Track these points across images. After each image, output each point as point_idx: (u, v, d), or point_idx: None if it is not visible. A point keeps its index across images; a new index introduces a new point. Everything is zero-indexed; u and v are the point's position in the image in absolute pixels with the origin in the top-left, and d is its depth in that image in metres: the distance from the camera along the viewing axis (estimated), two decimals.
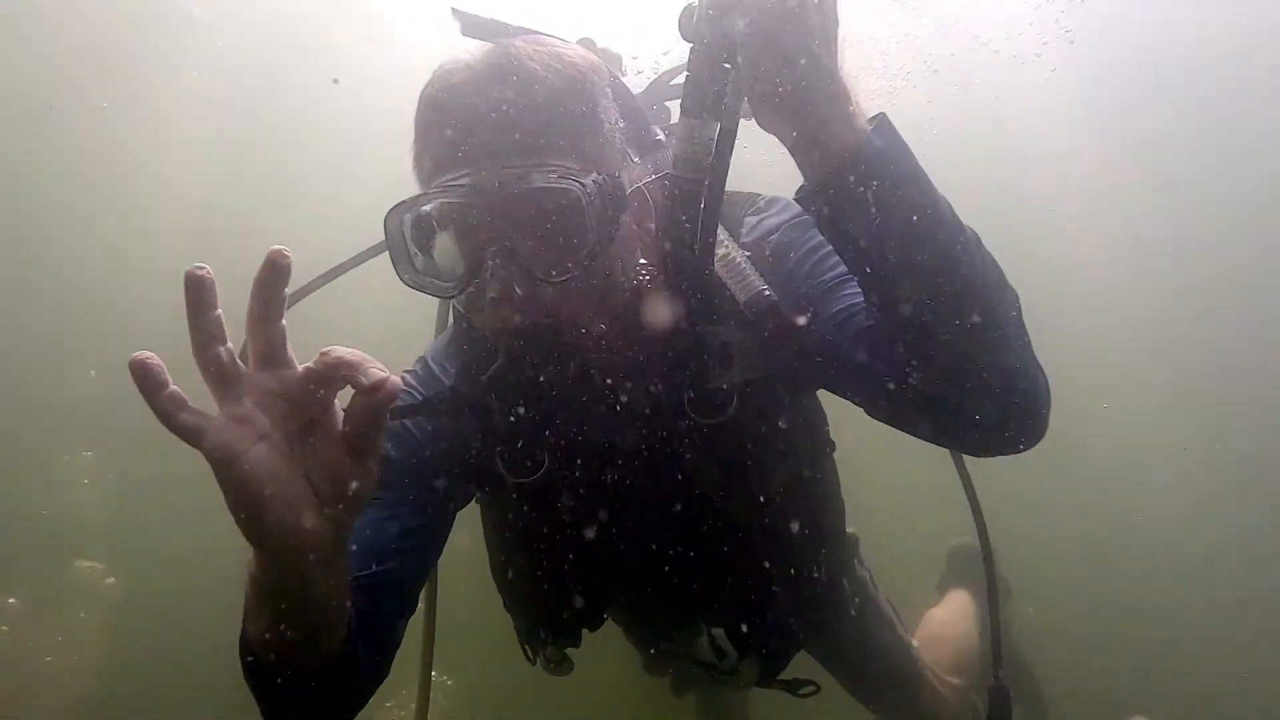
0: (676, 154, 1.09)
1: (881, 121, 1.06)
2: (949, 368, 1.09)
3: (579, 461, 1.39)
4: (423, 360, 1.51)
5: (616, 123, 1.24)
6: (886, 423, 1.28)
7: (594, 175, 1.14)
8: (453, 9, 1.25)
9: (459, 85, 1.16)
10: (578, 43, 1.32)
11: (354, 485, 0.90)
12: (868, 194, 1.03)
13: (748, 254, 1.30)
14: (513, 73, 1.14)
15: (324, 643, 1.04)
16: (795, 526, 1.51)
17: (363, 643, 1.15)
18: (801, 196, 1.10)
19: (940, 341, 1.08)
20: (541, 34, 1.26)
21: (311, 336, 0.91)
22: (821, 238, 1.28)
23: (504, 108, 1.12)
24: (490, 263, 1.14)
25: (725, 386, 1.29)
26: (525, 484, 1.39)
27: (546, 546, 1.52)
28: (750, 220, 1.39)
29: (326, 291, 1.51)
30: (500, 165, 1.12)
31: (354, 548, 1.23)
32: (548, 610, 1.64)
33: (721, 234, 1.26)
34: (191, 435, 0.83)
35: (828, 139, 1.03)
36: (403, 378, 1.43)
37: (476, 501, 1.63)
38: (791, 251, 1.34)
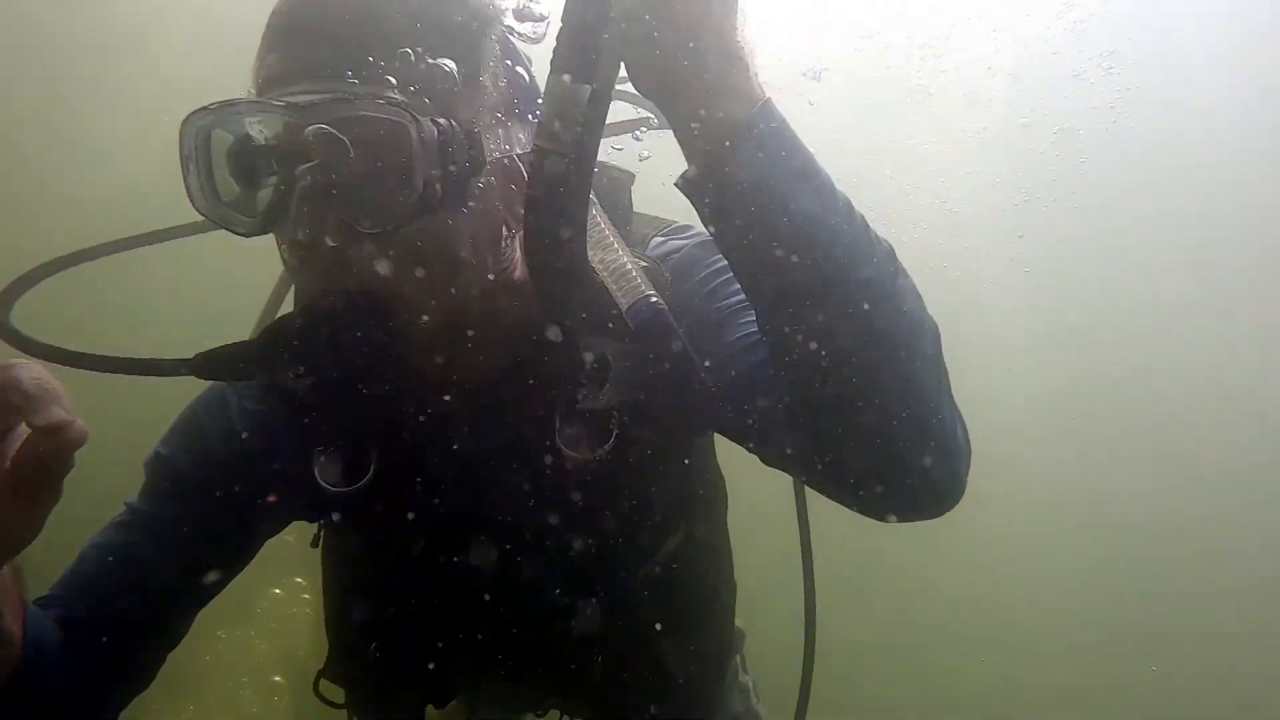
0: (541, 121, 0.87)
1: (768, 104, 0.89)
2: (843, 412, 0.91)
3: (410, 477, 1.16)
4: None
5: (497, 81, 1.05)
6: (784, 469, 1.09)
7: (441, 119, 0.95)
8: None
9: None
10: None
11: (10, 536, 0.80)
12: (751, 186, 0.86)
13: (644, 265, 1.09)
14: None
15: None
16: (675, 602, 1.27)
17: (71, 680, 1.04)
18: (683, 183, 0.92)
19: (837, 381, 0.90)
20: None
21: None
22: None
23: (350, 20, 0.95)
24: (298, 199, 0.94)
25: (596, 410, 1.09)
26: (344, 496, 1.14)
27: (378, 587, 1.29)
28: (657, 240, 1.21)
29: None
30: (327, 84, 0.94)
31: (91, 569, 1.16)
32: (384, 671, 1.36)
33: (610, 237, 1.09)
34: None
35: (715, 109, 0.86)
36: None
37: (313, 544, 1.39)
38: (695, 269, 1.15)
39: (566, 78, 0.84)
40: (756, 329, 1.04)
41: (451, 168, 0.96)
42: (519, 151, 1.06)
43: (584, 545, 1.20)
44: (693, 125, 0.88)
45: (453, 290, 1.04)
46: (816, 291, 0.88)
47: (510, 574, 1.23)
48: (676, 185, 0.93)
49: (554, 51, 0.86)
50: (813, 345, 0.89)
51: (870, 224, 0.94)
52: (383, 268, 0.98)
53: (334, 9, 0.96)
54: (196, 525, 1.19)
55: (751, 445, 1.10)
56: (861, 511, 1.02)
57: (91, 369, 1.00)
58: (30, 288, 1.15)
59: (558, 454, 1.11)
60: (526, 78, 1.11)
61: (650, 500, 1.22)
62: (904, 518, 1.00)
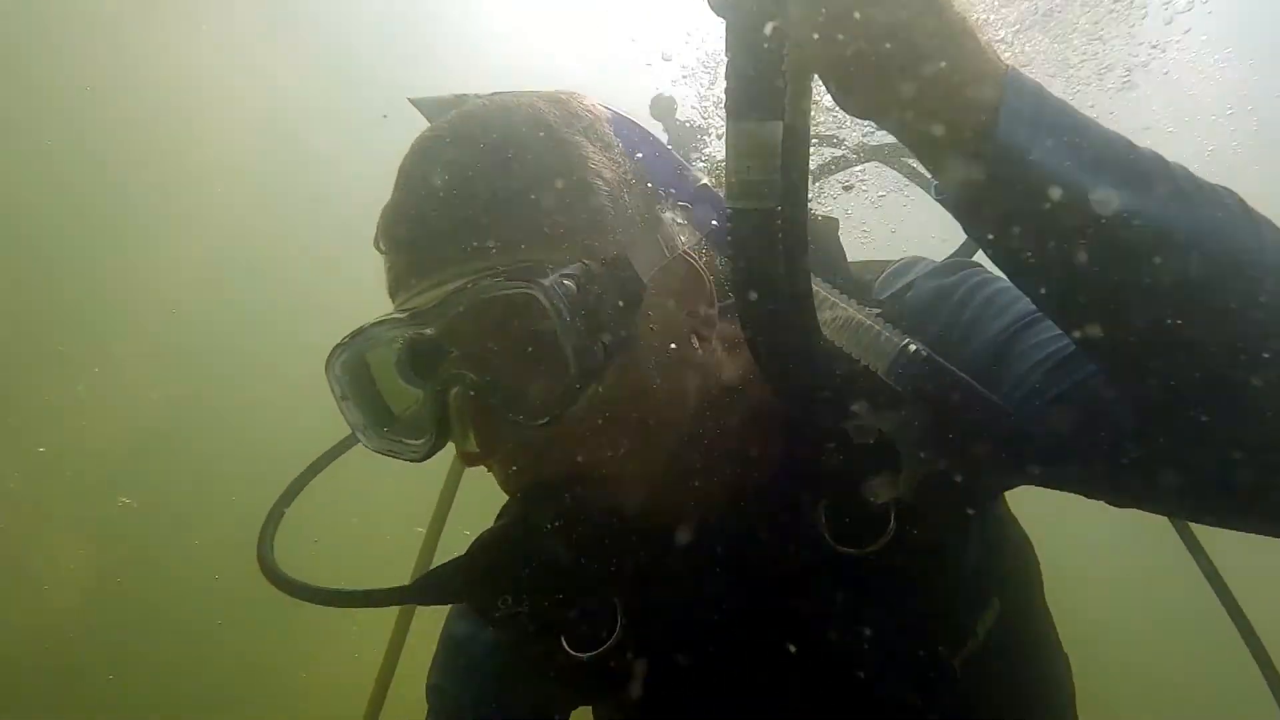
0: (727, 180, 0.73)
1: (1014, 74, 0.70)
2: (1240, 407, 0.68)
3: (657, 634, 1.00)
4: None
5: (625, 180, 0.91)
6: (1154, 508, 0.86)
7: (572, 268, 0.82)
8: (410, 99, 1.01)
9: (399, 185, 0.90)
10: (556, 94, 0.97)
11: None
12: (1035, 170, 0.67)
13: (877, 314, 0.90)
14: (446, 152, 0.87)
15: None
16: (1007, 680, 1.06)
17: None
18: (950, 197, 0.73)
19: (1211, 382, 0.68)
20: (509, 93, 0.95)
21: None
22: (982, 276, 0.95)
23: (435, 201, 0.85)
24: (454, 412, 0.86)
25: (890, 500, 0.89)
26: (591, 662, 0.99)
27: None
28: (880, 283, 1.03)
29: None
30: (438, 280, 0.84)
31: None
32: None
33: (830, 293, 0.91)
34: None
35: (959, 102, 0.68)
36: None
37: None
38: (942, 302, 0.96)
39: (751, 120, 0.69)
40: (1048, 350, 0.85)
41: (605, 313, 0.83)
42: (682, 245, 0.92)
43: (890, 648, 0.99)
44: (936, 130, 0.69)
45: (658, 433, 0.90)
46: (1163, 284, 0.67)
47: (815, 697, 1.03)
48: (940, 200, 0.75)
49: (726, 93, 0.70)
50: (1170, 347, 0.68)
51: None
52: (572, 448, 0.87)
53: (430, 199, 0.86)
54: None
55: (1101, 488, 0.85)
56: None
57: (322, 603, 1.02)
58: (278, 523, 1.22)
59: (834, 556, 0.93)
60: (655, 154, 0.97)
61: (954, 577, 1.02)
62: None
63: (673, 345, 0.91)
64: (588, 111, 0.94)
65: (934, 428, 0.84)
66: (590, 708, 1.25)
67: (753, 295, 0.74)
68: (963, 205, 0.73)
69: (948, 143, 0.70)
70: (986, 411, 0.83)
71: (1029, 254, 0.71)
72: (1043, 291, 0.74)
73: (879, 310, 0.90)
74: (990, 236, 0.72)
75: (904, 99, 0.69)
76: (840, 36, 0.67)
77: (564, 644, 0.98)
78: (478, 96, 0.97)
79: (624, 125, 0.96)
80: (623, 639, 0.98)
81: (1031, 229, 0.69)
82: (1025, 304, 0.90)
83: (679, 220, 0.94)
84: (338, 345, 0.91)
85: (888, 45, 0.66)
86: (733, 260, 0.74)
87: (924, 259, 1.06)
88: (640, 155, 0.95)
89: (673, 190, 0.96)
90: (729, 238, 0.73)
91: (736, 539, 0.97)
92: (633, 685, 1.00)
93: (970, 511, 0.99)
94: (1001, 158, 0.68)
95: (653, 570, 0.94)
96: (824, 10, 0.66)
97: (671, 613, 1.00)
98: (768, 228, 0.71)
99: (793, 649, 0.99)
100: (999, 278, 0.93)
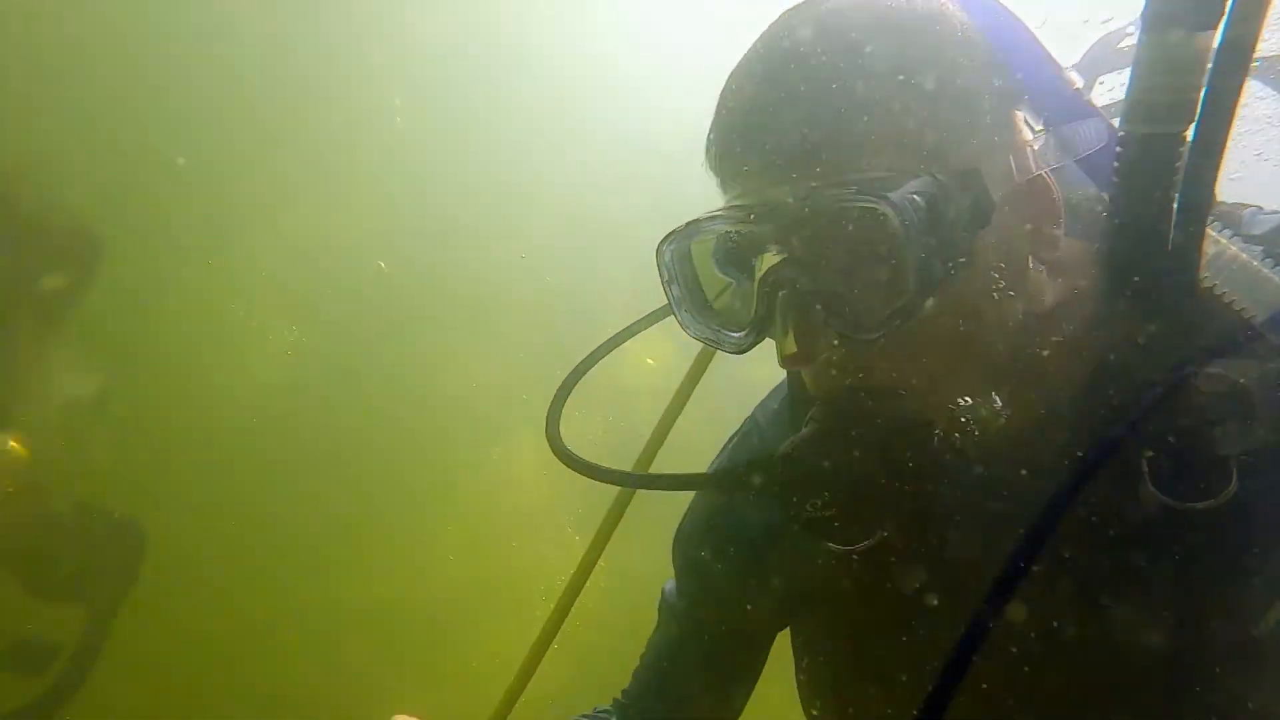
0: (1128, 100, 0.67)
1: None
2: None
3: (935, 554, 0.97)
4: (751, 421, 1.19)
5: (988, 88, 0.85)
6: None
7: (921, 181, 0.79)
8: None
9: (757, 73, 0.86)
10: None
11: None
12: None
13: (1260, 250, 0.83)
14: (801, 51, 0.83)
15: None
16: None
17: None
18: None
19: None
20: None
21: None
22: None
23: (787, 102, 0.82)
24: (780, 311, 0.84)
25: (1234, 455, 0.82)
26: (852, 553, 0.95)
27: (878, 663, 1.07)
28: (1248, 218, 0.93)
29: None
30: (789, 180, 0.81)
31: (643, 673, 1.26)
32: None
33: (1213, 229, 0.83)
34: None
35: None
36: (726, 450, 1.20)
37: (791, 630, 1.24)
38: None
39: (1175, 30, 0.64)
40: None
41: (951, 232, 0.80)
42: (1043, 164, 0.86)
43: (1198, 613, 0.93)
44: None
45: (978, 354, 0.88)
46: None
47: (1078, 635, 0.98)
48: None
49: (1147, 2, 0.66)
50: None
51: None
52: (892, 362, 0.85)
53: (782, 99, 0.83)
54: (727, 621, 1.20)
55: None
56: None
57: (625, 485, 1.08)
58: (568, 394, 1.20)
59: (1154, 506, 0.87)
60: (1031, 60, 0.91)
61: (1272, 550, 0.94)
62: None
63: (1012, 267, 0.87)
64: (953, 13, 0.87)
65: None
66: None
67: (1136, 236, 0.71)
68: None
69: None
70: None
71: None
72: None
73: (1261, 248, 0.83)
74: None
75: None
76: None
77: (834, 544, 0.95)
78: None
79: (1000, 25, 0.90)
80: (902, 551, 0.97)
81: None
82: None
83: (1045, 136, 0.88)
84: (677, 230, 0.91)
85: None
86: (1117, 189, 0.71)
87: None
88: (1009, 63, 0.89)
89: (1044, 103, 0.90)
90: (1116, 164, 0.69)
91: (1041, 474, 0.89)
92: (896, 597, 1.01)
93: None
94: None
95: (951, 493, 0.92)
96: None
97: (961, 539, 0.97)
98: (1167, 157, 0.67)
99: (1083, 599, 0.94)
100: None
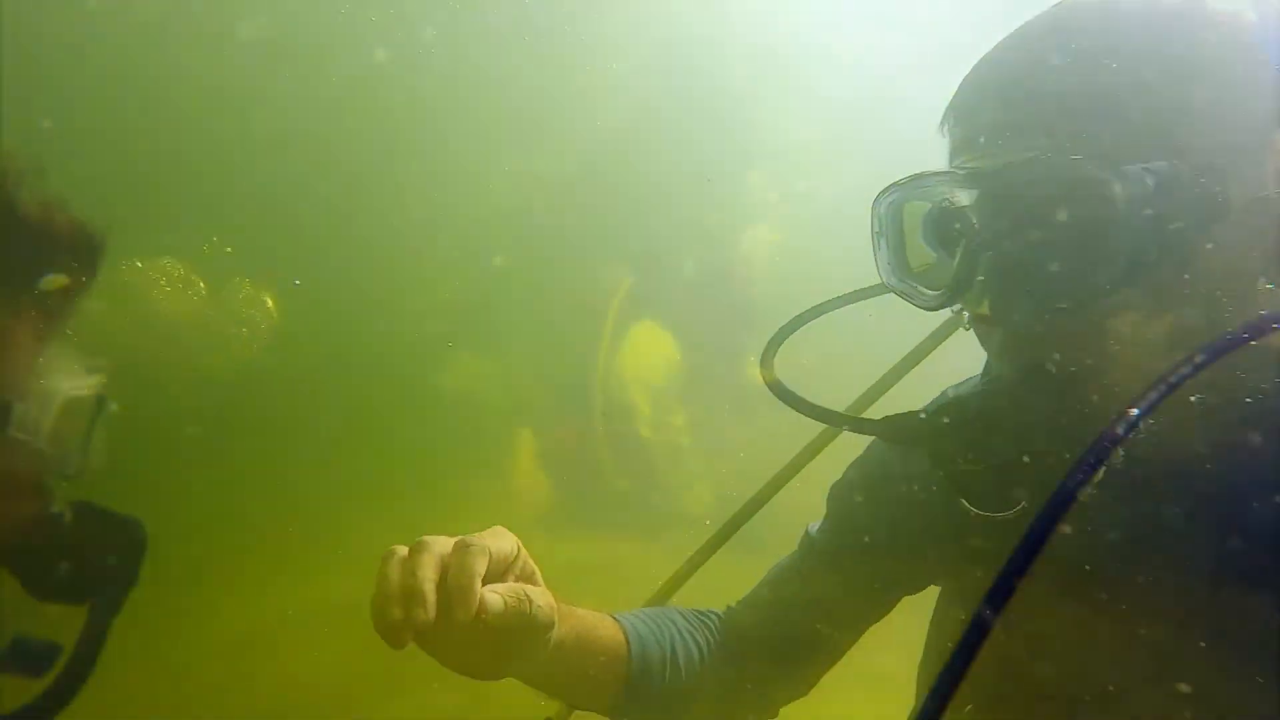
0: None
1: None
2: None
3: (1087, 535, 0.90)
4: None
5: (1252, 89, 0.83)
6: None
7: (1154, 164, 0.78)
8: None
9: (1015, 42, 0.90)
10: None
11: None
12: None
13: None
14: (1078, 21, 0.86)
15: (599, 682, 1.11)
16: None
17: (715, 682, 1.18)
18: None
19: None
20: None
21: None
22: None
23: (1049, 67, 0.84)
24: (983, 274, 0.86)
25: None
26: (995, 520, 0.92)
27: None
28: None
29: None
30: (1010, 147, 0.84)
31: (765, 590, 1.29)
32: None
33: None
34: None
35: None
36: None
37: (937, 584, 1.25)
38: None
39: None
40: None
41: (1175, 222, 0.78)
42: None
43: None
44: None
45: (1169, 351, 0.82)
46: None
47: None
48: None
49: None
50: None
51: None
52: (1081, 338, 0.85)
53: (1030, 67, 0.87)
54: (861, 565, 1.21)
55: None
56: None
57: (831, 424, 1.09)
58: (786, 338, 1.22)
59: None
60: None
61: None
62: None
63: (1237, 279, 0.83)
64: (1220, 13, 0.86)
65: None
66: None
67: None
68: None
69: None
70: None
71: None
72: None
73: None
74: None
75: None
76: None
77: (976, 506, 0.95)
78: None
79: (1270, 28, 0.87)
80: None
81: None
82: None
83: None
84: (899, 181, 0.94)
85: None
86: None
87: None
88: None
89: None
90: None
91: (1204, 500, 0.88)
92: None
93: None
94: None
95: (1103, 486, 0.83)
96: None
97: (1097, 534, 0.92)
98: None
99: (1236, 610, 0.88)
100: None
